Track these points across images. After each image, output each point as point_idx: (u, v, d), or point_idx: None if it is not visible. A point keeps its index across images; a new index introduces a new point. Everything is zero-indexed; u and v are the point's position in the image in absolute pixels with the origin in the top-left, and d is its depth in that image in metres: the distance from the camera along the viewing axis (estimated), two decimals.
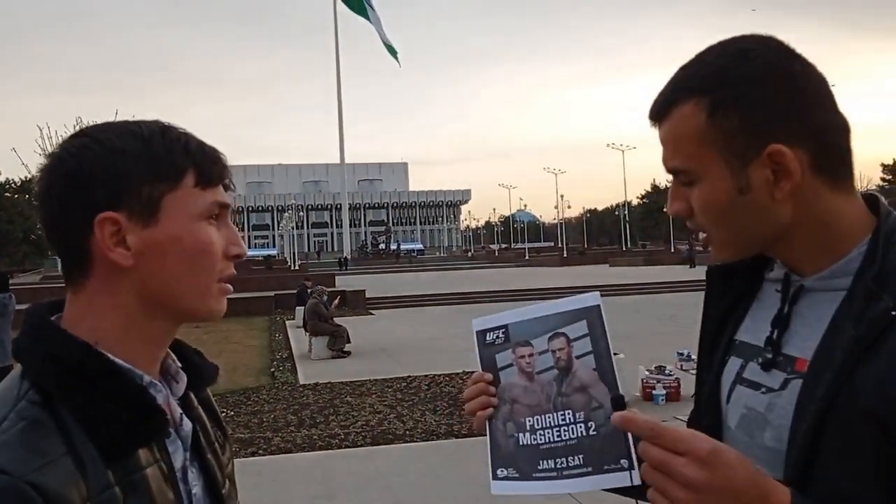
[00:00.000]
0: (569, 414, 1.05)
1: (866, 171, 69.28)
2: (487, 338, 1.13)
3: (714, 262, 1.10)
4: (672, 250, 57.86)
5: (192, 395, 1.04)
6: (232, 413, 8.81)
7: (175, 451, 0.94)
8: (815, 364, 0.90)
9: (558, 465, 1.06)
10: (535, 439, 1.05)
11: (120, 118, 1.07)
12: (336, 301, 15.52)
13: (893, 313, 0.85)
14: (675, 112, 0.94)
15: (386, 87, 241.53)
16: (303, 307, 15.55)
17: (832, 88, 0.94)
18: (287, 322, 19.73)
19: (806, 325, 0.95)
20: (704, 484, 0.80)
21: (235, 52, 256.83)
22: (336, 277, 34.23)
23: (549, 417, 1.07)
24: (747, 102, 0.90)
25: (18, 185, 68.82)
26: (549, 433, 1.06)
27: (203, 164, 0.93)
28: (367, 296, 25.54)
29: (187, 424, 0.98)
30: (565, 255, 61.54)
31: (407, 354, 13.26)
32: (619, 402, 0.96)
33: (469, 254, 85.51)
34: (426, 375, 10.80)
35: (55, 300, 0.95)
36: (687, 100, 0.93)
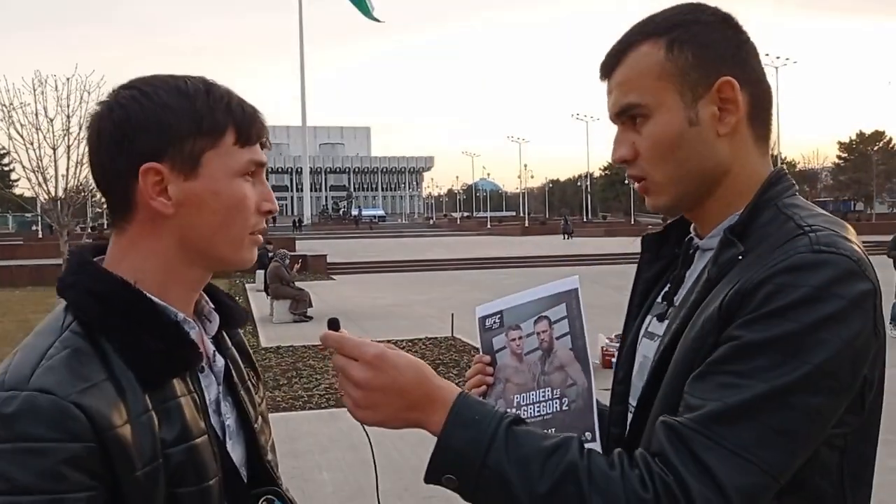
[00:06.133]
0: (548, 391, 1.13)
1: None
2: (486, 323, 1.21)
3: (649, 232, 1.19)
4: (632, 222, 58.68)
5: (226, 337, 1.11)
6: None
7: (209, 385, 1.02)
8: (678, 306, 1.02)
9: None
10: (522, 415, 1.11)
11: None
12: (297, 265, 15.43)
13: (741, 257, 0.94)
14: (632, 54, 1.01)
15: (351, 50, 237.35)
16: (263, 270, 15.44)
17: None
18: (247, 285, 19.57)
19: (693, 282, 1.04)
20: (369, 383, 0.92)
21: (194, 6, 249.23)
22: (296, 242, 33.95)
23: (532, 394, 1.15)
24: (701, 42, 0.99)
25: None
26: (531, 409, 1.14)
27: (242, 123, 0.97)
28: (328, 261, 25.43)
29: (220, 361, 1.05)
30: (527, 225, 61.97)
31: (369, 320, 13.29)
32: (333, 324, 1.00)
33: (431, 221, 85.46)
34: (389, 341, 10.54)
35: (97, 243, 1.03)
36: (644, 41, 1.00)
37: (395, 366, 0.93)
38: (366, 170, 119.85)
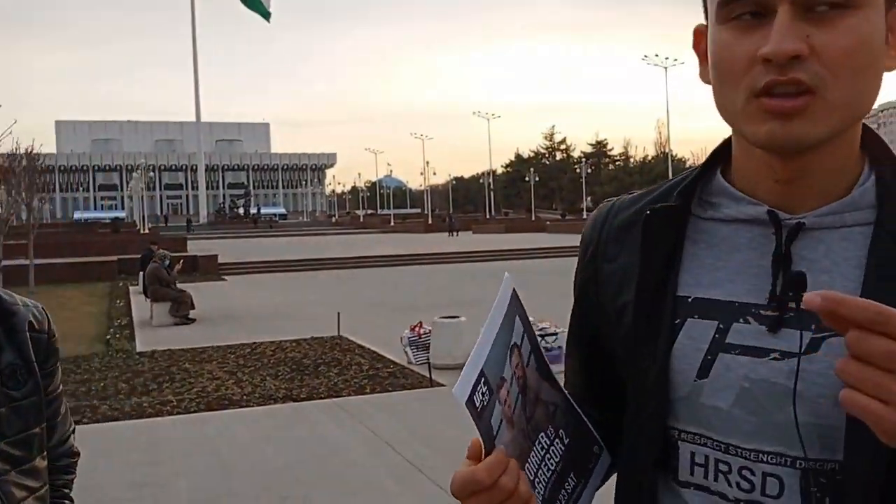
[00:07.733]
0: (543, 437, 0.88)
1: None
2: (477, 402, 0.77)
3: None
4: (533, 218, 60.07)
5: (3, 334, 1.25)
6: None
7: None
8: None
9: (565, 499, 0.92)
10: (540, 491, 0.87)
11: None
12: (178, 265, 14.84)
13: None
14: None
15: (247, 43, 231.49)
16: (144, 272, 14.81)
17: None
18: (131, 288, 18.78)
19: (822, 271, 0.75)
20: None
21: None
22: (188, 242, 32.80)
23: (534, 456, 0.87)
24: None
25: None
26: (543, 473, 0.88)
27: None
28: (220, 261, 24.71)
29: None
30: (430, 222, 62.28)
31: (255, 321, 12.99)
32: (800, 277, 0.73)
33: (333, 219, 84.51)
34: (272, 342, 10.66)
35: None
36: None
37: None
38: (265, 167, 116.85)
